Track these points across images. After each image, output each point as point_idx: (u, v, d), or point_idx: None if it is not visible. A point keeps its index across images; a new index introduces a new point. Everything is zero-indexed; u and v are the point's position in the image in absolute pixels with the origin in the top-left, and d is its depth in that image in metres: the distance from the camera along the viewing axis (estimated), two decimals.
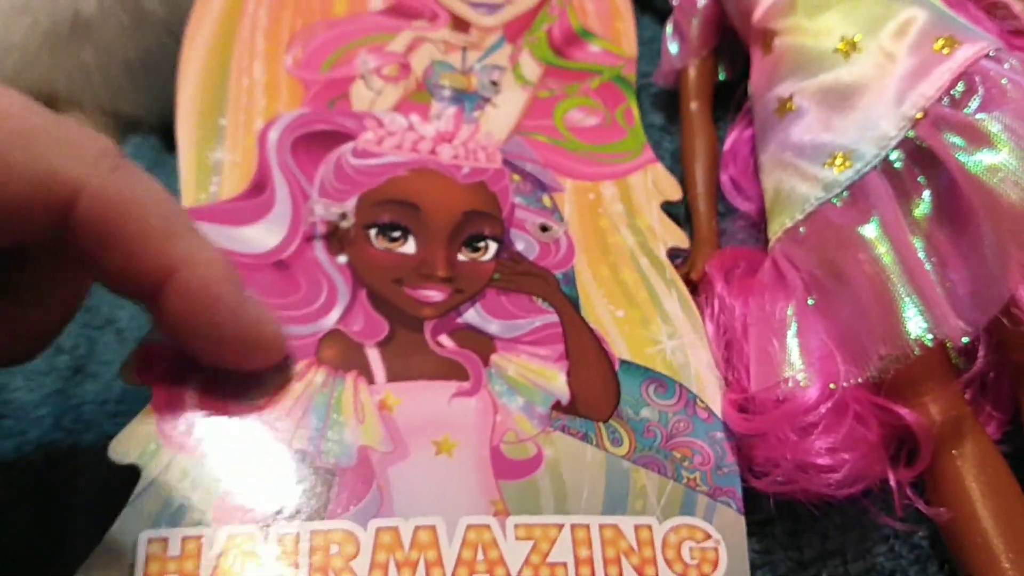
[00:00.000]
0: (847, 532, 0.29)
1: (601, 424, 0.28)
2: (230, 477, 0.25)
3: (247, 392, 0.27)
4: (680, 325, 0.30)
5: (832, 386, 0.27)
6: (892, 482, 0.27)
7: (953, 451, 0.28)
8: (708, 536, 0.26)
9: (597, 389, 0.28)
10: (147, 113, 0.40)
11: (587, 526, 0.26)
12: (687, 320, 0.30)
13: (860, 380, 0.27)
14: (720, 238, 0.34)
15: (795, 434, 0.26)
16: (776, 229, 0.31)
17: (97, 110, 0.39)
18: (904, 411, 0.27)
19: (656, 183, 0.34)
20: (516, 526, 0.25)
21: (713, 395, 0.29)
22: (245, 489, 0.25)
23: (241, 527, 0.25)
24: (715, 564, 0.26)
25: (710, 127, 0.36)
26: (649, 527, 0.26)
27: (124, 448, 0.26)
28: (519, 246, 0.31)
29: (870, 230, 0.28)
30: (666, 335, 0.30)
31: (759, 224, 0.33)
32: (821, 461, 0.26)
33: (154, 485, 0.25)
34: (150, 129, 0.40)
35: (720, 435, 0.28)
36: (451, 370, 0.28)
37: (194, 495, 0.25)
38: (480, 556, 0.25)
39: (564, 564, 0.25)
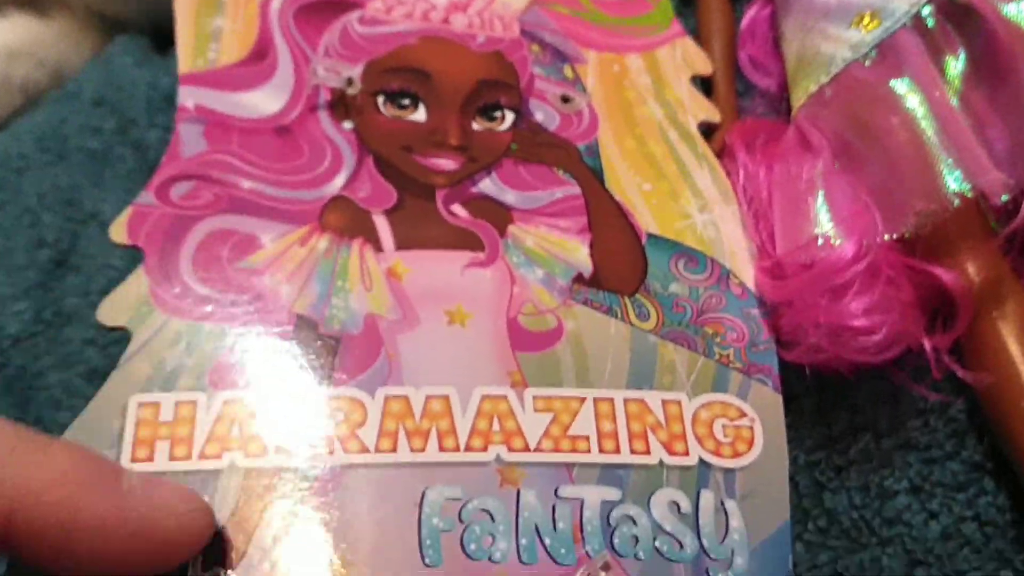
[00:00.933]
0: (878, 406, 0.27)
1: (626, 298, 0.26)
2: (227, 343, 0.24)
3: (246, 256, 0.25)
4: (712, 199, 0.28)
5: (865, 243, 0.24)
6: (928, 348, 0.25)
7: (993, 313, 0.26)
8: (743, 414, 0.24)
9: (622, 262, 0.26)
10: (136, 14, 0.37)
11: (611, 400, 0.24)
12: (719, 194, 0.28)
13: (895, 236, 0.25)
14: (740, 115, 0.32)
15: (828, 298, 0.24)
16: (800, 95, 0.28)
17: (83, 9, 0.37)
18: (940, 271, 0.25)
19: (685, 57, 0.31)
20: (535, 398, 0.24)
21: (747, 270, 0.27)
22: (243, 355, 0.23)
23: (238, 392, 0.23)
24: (750, 443, 0.24)
25: (726, 5, 0.34)
26: (678, 403, 0.24)
27: (114, 310, 0.24)
28: (538, 117, 0.29)
29: (902, 86, 0.26)
30: (697, 209, 0.28)
31: (779, 100, 0.31)
32: (857, 323, 0.24)
33: (145, 349, 0.23)
34: (139, 30, 0.38)
35: (755, 312, 0.26)
36: (464, 240, 0.26)
37: (189, 360, 0.23)
38: (496, 427, 0.23)
39: (586, 437, 0.23)
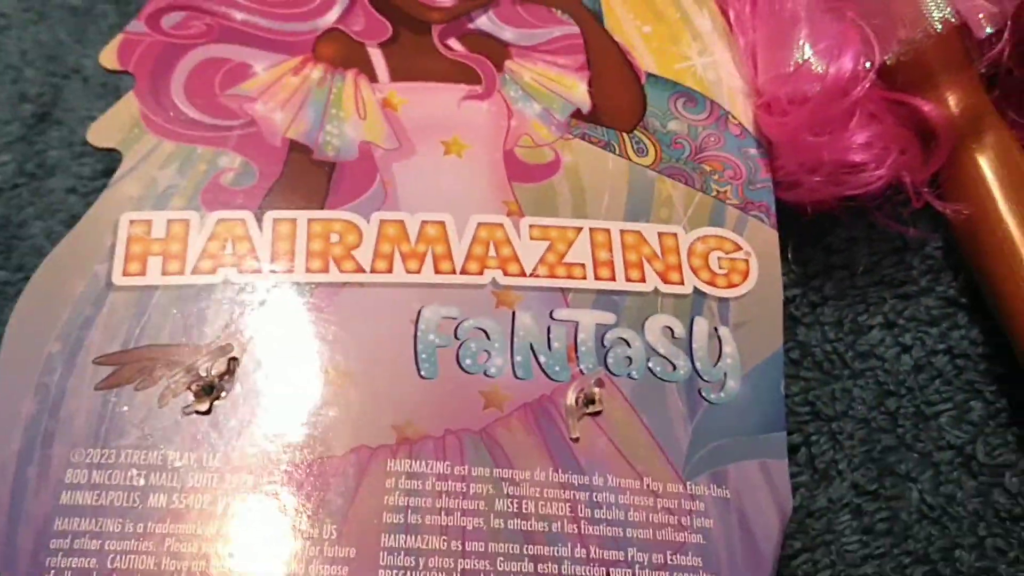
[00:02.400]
0: (855, 245, 0.27)
1: (625, 134, 0.25)
2: (221, 164, 0.23)
3: (238, 83, 0.24)
4: (711, 42, 0.27)
5: (861, 65, 0.24)
6: (907, 181, 0.25)
7: (972, 145, 0.26)
8: (738, 247, 0.24)
9: (621, 99, 0.26)
10: None
11: (607, 231, 0.24)
12: (719, 38, 0.27)
13: (883, 60, 0.24)
14: None
15: (829, 134, 0.24)
16: None
17: None
18: (921, 102, 0.25)
19: None
20: (531, 226, 0.23)
21: (746, 113, 0.26)
22: (236, 176, 0.23)
23: (232, 212, 0.23)
24: (745, 275, 0.24)
25: None
26: (674, 235, 0.24)
27: (104, 132, 0.24)
28: None
29: None
30: (696, 52, 0.27)
31: None
32: (859, 158, 0.24)
33: (136, 170, 0.23)
34: None
35: (753, 151, 0.26)
36: (461, 73, 0.26)
37: (181, 181, 0.23)
38: (492, 252, 0.23)
39: (582, 264, 0.23)
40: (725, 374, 0.22)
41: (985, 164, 0.25)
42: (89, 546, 0.19)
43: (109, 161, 0.29)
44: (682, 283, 0.23)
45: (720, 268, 0.24)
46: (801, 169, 0.25)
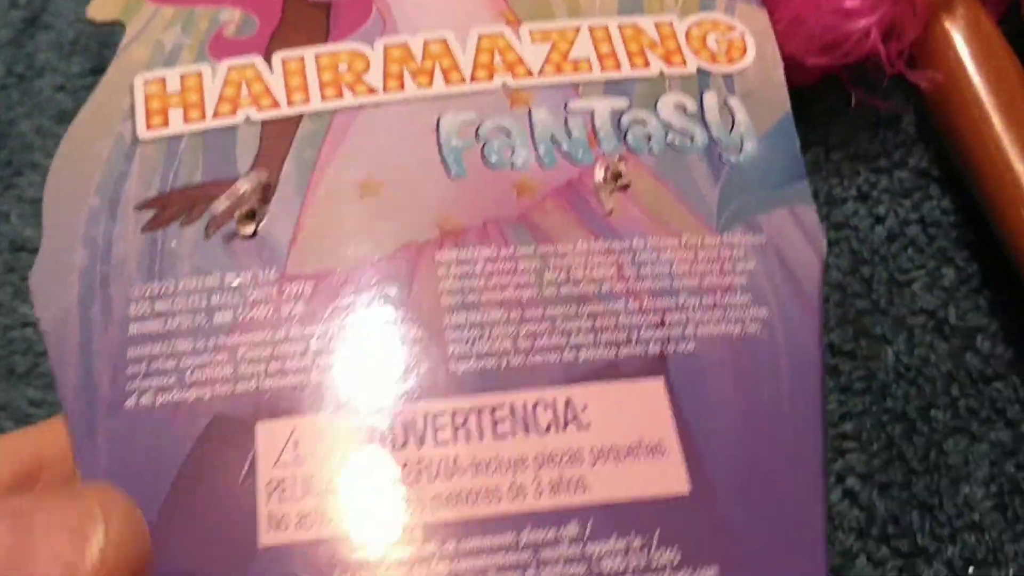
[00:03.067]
0: (831, 121, 0.28)
1: None
2: (221, 20, 0.24)
3: None
4: None
5: None
6: (882, 53, 0.26)
7: (944, 17, 0.26)
8: (732, 28, 0.25)
9: None
10: None
11: (605, 27, 0.24)
12: None
13: None
14: None
15: None
16: None
17: None
18: None
19: None
20: (531, 32, 0.24)
21: None
22: (237, 28, 0.24)
23: (241, 58, 0.23)
24: (743, 51, 0.24)
25: None
26: (670, 23, 0.25)
27: (104, 6, 0.24)
28: None
29: None
30: None
31: None
32: (851, 4, 0.25)
33: (141, 36, 0.23)
34: None
35: None
36: None
37: (186, 39, 0.23)
38: (498, 59, 0.23)
39: (587, 59, 0.24)
40: (742, 138, 0.23)
41: (956, 35, 0.26)
42: (165, 366, 0.19)
43: (98, 60, 0.30)
44: (685, 64, 0.24)
45: (718, 47, 0.24)
46: (796, 20, 0.25)
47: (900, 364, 0.27)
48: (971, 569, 0.24)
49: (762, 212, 0.22)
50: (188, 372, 0.19)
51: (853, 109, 0.27)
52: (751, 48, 0.25)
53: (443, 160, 0.22)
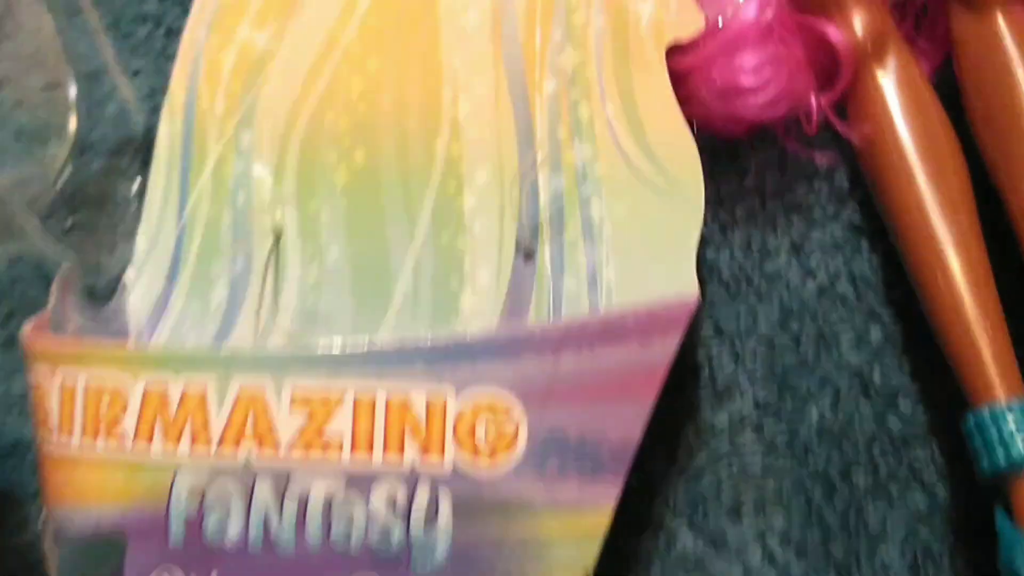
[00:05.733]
0: (767, 171, 0.28)
1: None
2: None
3: None
4: None
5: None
6: (813, 103, 0.26)
7: (876, 68, 0.26)
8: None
9: None
10: None
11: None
12: None
13: None
14: None
15: (722, 54, 0.25)
16: None
17: None
18: (829, 28, 0.26)
19: None
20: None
21: None
22: None
23: None
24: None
25: None
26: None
27: None
28: None
29: None
30: None
31: None
32: (746, 80, 0.24)
33: None
34: None
35: None
36: None
37: None
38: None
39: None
40: None
41: (887, 87, 0.26)
42: None
43: None
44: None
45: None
46: (692, 88, 0.25)
47: (824, 423, 0.27)
48: None
49: None
50: None
51: (790, 159, 0.28)
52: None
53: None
